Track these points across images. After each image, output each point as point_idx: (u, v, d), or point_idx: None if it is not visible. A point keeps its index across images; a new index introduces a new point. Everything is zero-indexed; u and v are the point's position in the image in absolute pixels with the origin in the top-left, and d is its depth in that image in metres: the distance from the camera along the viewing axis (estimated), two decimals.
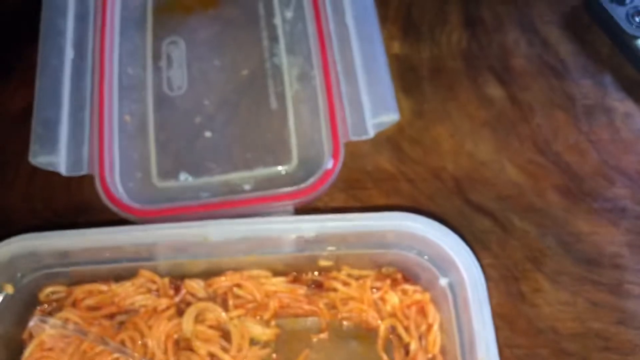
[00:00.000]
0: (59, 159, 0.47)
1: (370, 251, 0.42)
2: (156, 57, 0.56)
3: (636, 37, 0.52)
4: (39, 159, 0.47)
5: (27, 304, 0.44)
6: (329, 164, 0.47)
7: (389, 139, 0.52)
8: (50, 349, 0.42)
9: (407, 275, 0.44)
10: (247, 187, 0.50)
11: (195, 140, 0.52)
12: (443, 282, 0.40)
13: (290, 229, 0.40)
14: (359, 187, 0.50)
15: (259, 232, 0.40)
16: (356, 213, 0.40)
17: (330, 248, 0.42)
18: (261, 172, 0.50)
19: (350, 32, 0.51)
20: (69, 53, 0.52)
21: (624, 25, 0.52)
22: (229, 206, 0.47)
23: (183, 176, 0.50)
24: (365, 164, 0.51)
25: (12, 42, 0.58)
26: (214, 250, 0.41)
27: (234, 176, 0.50)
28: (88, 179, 0.50)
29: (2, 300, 0.42)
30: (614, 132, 0.51)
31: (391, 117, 0.47)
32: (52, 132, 0.48)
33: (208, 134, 0.52)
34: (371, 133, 0.47)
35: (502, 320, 0.44)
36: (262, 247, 0.42)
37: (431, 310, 0.42)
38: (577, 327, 0.44)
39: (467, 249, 0.38)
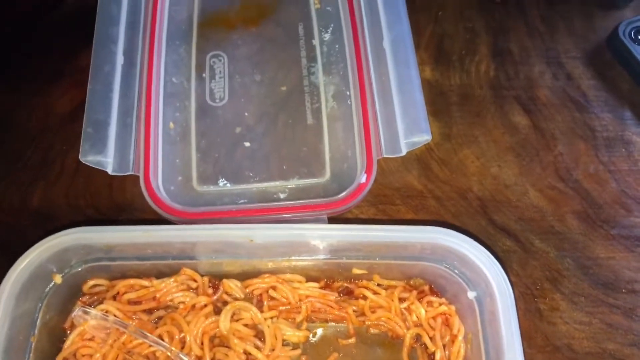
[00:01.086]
0: (107, 159, 0.50)
1: (401, 262, 0.44)
2: (200, 68, 0.59)
3: None
4: (88, 157, 0.49)
5: (71, 294, 0.46)
6: (363, 179, 0.49)
7: (418, 158, 0.55)
8: (90, 339, 0.45)
9: (434, 288, 0.46)
10: (282, 196, 0.52)
11: (235, 149, 0.55)
12: (471, 295, 0.42)
13: (328, 236, 0.42)
14: (387, 202, 0.53)
15: (300, 237, 0.42)
16: (391, 225, 0.43)
17: (363, 257, 0.44)
18: (296, 182, 0.53)
19: (387, 56, 0.54)
20: (120, 59, 0.55)
21: None
22: (265, 213, 0.49)
23: (222, 182, 0.53)
24: (395, 181, 0.54)
25: (65, 46, 0.61)
26: (255, 251, 0.43)
27: (270, 185, 0.53)
28: (130, 180, 0.53)
29: (50, 289, 0.44)
30: (633, 164, 0.53)
31: (424, 137, 0.49)
32: (101, 133, 0.51)
33: (247, 144, 0.55)
34: (404, 151, 0.50)
35: (520, 336, 0.46)
36: (299, 252, 0.44)
37: (456, 321, 0.44)
38: (592, 347, 0.47)
39: (498, 264, 0.40)
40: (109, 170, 0.50)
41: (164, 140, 0.54)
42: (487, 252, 0.41)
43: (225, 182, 0.53)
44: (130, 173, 0.51)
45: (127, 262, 0.45)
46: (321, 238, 0.42)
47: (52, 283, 0.44)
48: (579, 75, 0.58)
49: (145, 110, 0.54)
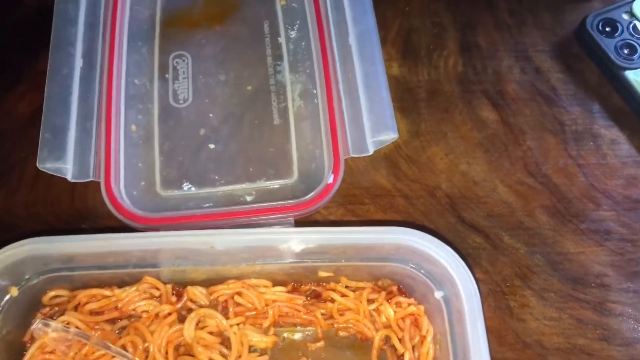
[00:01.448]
0: (66, 165, 0.48)
1: (368, 264, 0.44)
2: (163, 69, 0.57)
3: (624, 68, 0.55)
4: (46, 164, 0.48)
5: (30, 306, 0.44)
6: (330, 179, 0.49)
7: (386, 156, 0.54)
8: (51, 352, 0.43)
9: (402, 288, 0.45)
10: (248, 198, 0.51)
11: (200, 151, 0.53)
12: (438, 295, 0.42)
13: (293, 240, 0.41)
14: (356, 202, 0.52)
15: (263, 242, 0.41)
16: (357, 227, 0.42)
17: (329, 259, 0.44)
18: (263, 184, 0.52)
19: (353, 53, 0.53)
20: (79, 62, 0.54)
21: (613, 56, 0.55)
22: (231, 216, 0.48)
23: (186, 186, 0.52)
24: (363, 180, 0.53)
25: (23, 48, 0.59)
26: (217, 258, 0.42)
27: (236, 188, 0.52)
28: (92, 186, 0.52)
29: (6, 302, 0.42)
30: (601, 157, 0.53)
31: (390, 136, 0.49)
32: (60, 138, 0.49)
33: (212, 145, 0.54)
34: (371, 150, 0.49)
35: (490, 333, 0.46)
36: (263, 257, 0.43)
37: (425, 322, 0.43)
38: (562, 342, 0.46)
39: (463, 263, 0.40)
40: (69, 177, 0.48)
41: (126, 144, 0.53)
42: (452, 251, 0.40)
43: (190, 185, 0.52)
44: (91, 179, 0.49)
45: (88, 271, 0.43)
46: (285, 242, 0.41)
47: (8, 296, 0.42)
48: (548, 68, 0.57)
49: (106, 114, 0.52)
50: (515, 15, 0.60)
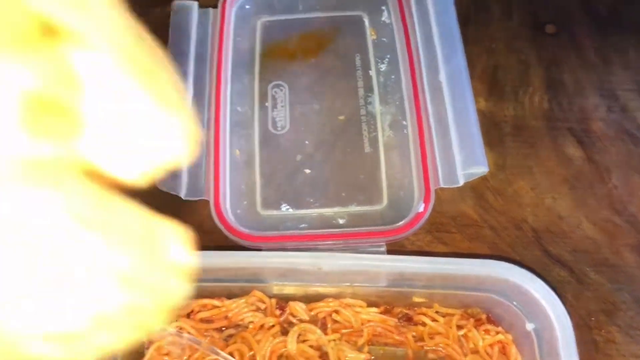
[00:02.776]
0: (181, 185, 0.54)
1: (460, 292, 0.46)
2: (262, 98, 0.62)
3: None
4: (164, 184, 0.53)
5: None
6: (420, 208, 0.52)
7: (473, 188, 0.56)
8: (166, 354, 0.48)
9: (491, 317, 0.48)
10: (341, 221, 0.55)
11: (296, 175, 0.58)
12: (529, 326, 0.44)
13: (394, 267, 0.45)
14: (443, 230, 0.55)
15: (366, 267, 0.45)
16: (452, 258, 0.45)
17: (423, 286, 0.47)
18: (354, 209, 0.56)
19: (444, 88, 0.56)
20: (190, 91, 0.59)
21: None
22: (328, 238, 0.52)
23: (284, 207, 0.56)
24: (450, 210, 0.56)
25: None
26: (321, 277, 0.46)
27: (329, 210, 0.56)
28: (200, 205, 0.57)
29: None
30: None
31: (481, 169, 0.51)
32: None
33: (307, 170, 0.58)
34: (461, 182, 0.52)
35: None
36: (362, 279, 0.47)
37: (513, 350, 0.46)
38: None
39: (556, 297, 0.42)
40: (182, 195, 0.54)
41: (231, 167, 0.58)
42: (546, 285, 0.42)
43: (288, 207, 0.56)
44: (201, 198, 0.54)
45: (202, 283, 0.48)
46: (385, 269, 0.45)
47: None
48: (635, 107, 0.58)
49: (215, 139, 0.57)
50: (601, 53, 0.62)
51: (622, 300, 0.50)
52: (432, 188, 0.52)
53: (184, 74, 0.60)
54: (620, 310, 0.50)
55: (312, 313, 0.48)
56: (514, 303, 0.45)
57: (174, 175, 0.54)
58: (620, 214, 0.54)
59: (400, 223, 0.52)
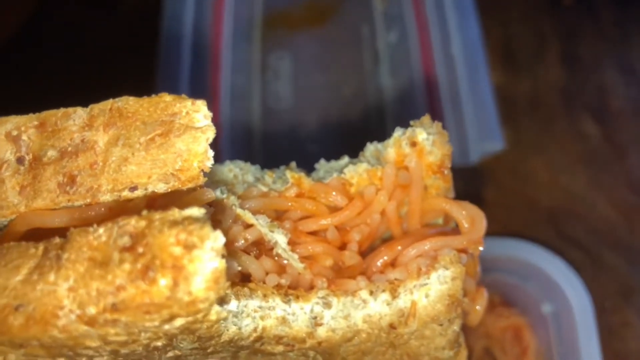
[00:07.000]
0: None
1: None
2: (264, 69, 0.59)
3: None
4: None
5: None
6: None
7: (486, 166, 0.54)
8: None
9: (504, 299, 0.46)
10: None
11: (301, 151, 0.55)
12: (545, 309, 0.42)
13: None
14: None
15: None
16: None
17: None
18: None
19: (456, 60, 0.54)
20: (187, 59, 0.56)
21: None
22: None
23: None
24: (461, 188, 0.53)
25: (130, 45, 0.62)
26: None
27: None
28: None
29: None
30: None
31: (495, 145, 0.49)
32: None
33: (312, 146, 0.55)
34: (474, 159, 0.49)
35: None
36: None
37: (526, 334, 0.44)
38: None
39: (577, 278, 0.40)
40: None
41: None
42: (566, 265, 0.40)
43: None
44: None
45: None
46: None
47: None
48: None
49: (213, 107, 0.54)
50: (620, 26, 0.59)
51: (637, 282, 0.48)
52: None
53: (179, 42, 0.57)
54: (636, 292, 0.48)
55: None
56: (529, 284, 0.43)
57: None
58: (638, 193, 0.52)
59: None
